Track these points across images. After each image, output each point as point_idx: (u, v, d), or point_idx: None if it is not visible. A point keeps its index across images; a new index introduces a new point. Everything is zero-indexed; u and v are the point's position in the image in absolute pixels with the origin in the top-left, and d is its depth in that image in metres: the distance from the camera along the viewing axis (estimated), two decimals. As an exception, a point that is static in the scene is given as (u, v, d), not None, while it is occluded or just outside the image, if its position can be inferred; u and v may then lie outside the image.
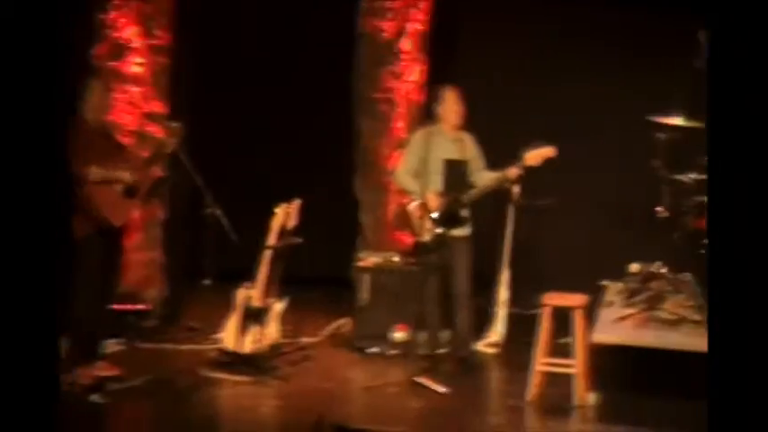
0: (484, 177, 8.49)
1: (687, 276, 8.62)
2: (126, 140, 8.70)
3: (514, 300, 9.34)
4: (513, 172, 8.42)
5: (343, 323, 9.49)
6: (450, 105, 8.61)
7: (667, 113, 8.52)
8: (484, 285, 9.27)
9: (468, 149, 8.61)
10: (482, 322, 9.23)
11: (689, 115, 8.48)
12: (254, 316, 8.03)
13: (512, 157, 8.44)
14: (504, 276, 9.24)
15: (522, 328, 8.87)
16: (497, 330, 9.24)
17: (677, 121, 8.49)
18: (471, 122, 8.76)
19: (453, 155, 8.50)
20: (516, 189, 9.00)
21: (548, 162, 8.54)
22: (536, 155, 8.38)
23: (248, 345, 7.99)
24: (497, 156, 8.61)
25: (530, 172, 8.61)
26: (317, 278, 9.84)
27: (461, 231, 8.46)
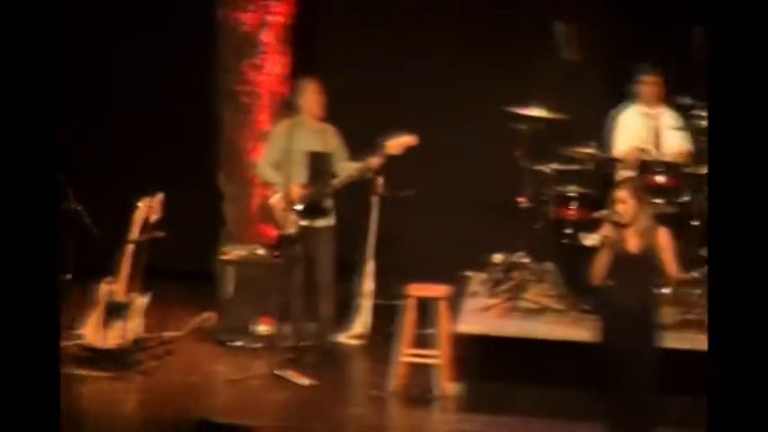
0: (346, 168, 8.56)
1: (549, 266, 8.82)
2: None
3: (378, 291, 9.39)
4: (374, 161, 8.52)
5: (207, 317, 9.45)
6: (312, 97, 8.66)
7: (529, 105, 8.65)
8: (348, 277, 9.36)
9: (331, 141, 8.67)
10: (346, 314, 9.30)
11: (550, 107, 8.66)
12: (116, 311, 7.99)
13: (374, 147, 8.52)
14: (369, 267, 9.29)
15: (385, 318, 8.97)
16: (361, 321, 9.28)
17: (538, 112, 8.66)
18: (334, 114, 8.81)
19: (316, 147, 8.55)
20: (379, 180, 9.08)
21: (409, 151, 8.61)
22: (397, 144, 8.48)
23: (111, 340, 7.95)
24: (361, 147, 8.68)
25: (392, 162, 8.68)
26: (180, 272, 9.75)
27: (325, 222, 8.54)
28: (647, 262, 7.11)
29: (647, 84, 8.80)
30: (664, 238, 7.04)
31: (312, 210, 8.48)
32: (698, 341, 7.66)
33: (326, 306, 8.78)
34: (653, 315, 7.21)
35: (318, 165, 8.58)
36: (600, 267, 7.07)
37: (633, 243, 6.99)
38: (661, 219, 8.16)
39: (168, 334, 8.97)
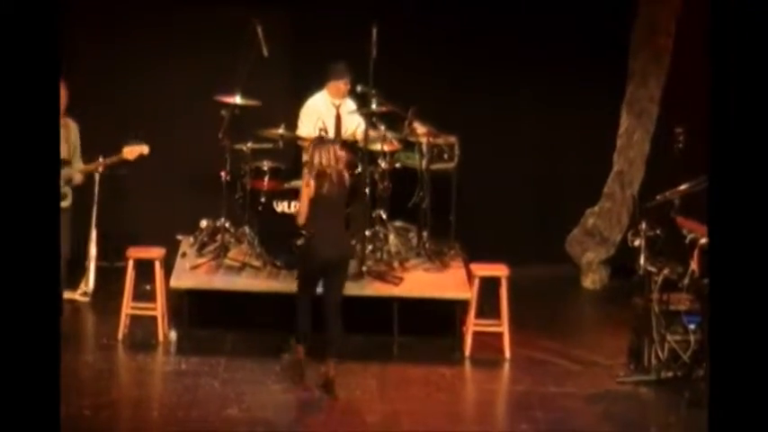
0: (76, 168, 8.72)
1: (246, 229, 9.27)
2: None
3: (103, 254, 9.73)
4: (105, 163, 8.90)
5: None
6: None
7: (228, 93, 9.12)
8: (77, 243, 9.47)
9: (72, 135, 8.73)
10: (76, 274, 9.53)
11: (244, 94, 9.12)
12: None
13: (111, 148, 8.94)
14: (93, 235, 9.61)
15: (111, 278, 9.50)
16: (88, 281, 9.60)
17: (236, 99, 9.12)
18: (82, 114, 8.95)
19: (66, 139, 8.60)
20: (100, 159, 9.10)
21: (141, 157, 9.06)
22: (132, 151, 8.96)
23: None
24: (100, 146, 9.04)
25: (114, 145, 9.06)
26: None
27: (64, 204, 8.53)
28: (337, 206, 8.01)
29: (339, 85, 9.39)
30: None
31: None
32: (374, 288, 8.83)
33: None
34: (344, 265, 8.13)
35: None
36: (303, 209, 7.93)
37: (323, 188, 7.86)
38: None
39: None
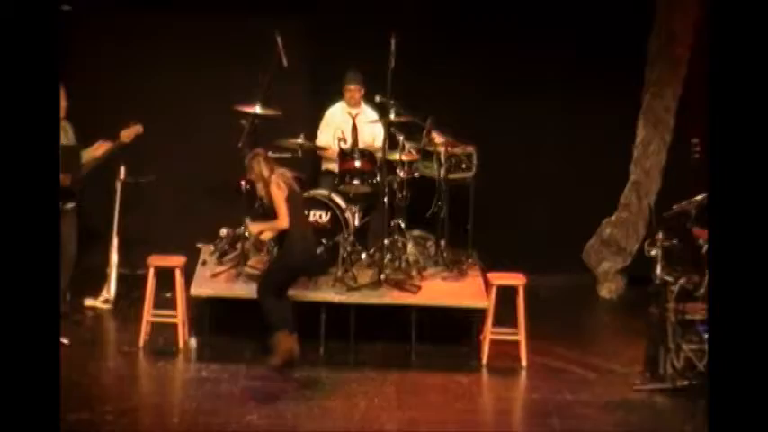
0: (85, 155, 8.85)
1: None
2: None
3: (124, 262, 9.74)
4: (105, 145, 8.91)
5: None
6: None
7: (249, 102, 9.13)
8: (98, 250, 9.72)
9: (69, 134, 8.82)
10: (97, 282, 9.61)
11: (264, 104, 9.13)
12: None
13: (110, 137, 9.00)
14: (114, 243, 9.65)
15: (132, 285, 9.54)
16: (109, 288, 9.61)
17: (256, 109, 9.10)
18: (107, 124, 9.12)
19: (62, 141, 8.40)
20: (122, 169, 9.58)
21: (150, 142, 9.18)
22: (128, 132, 9.01)
23: None
24: (124, 155, 9.25)
25: (135, 153, 9.27)
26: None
27: (69, 205, 8.69)
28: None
29: (350, 90, 9.53)
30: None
31: (63, 195, 8.39)
32: (392, 297, 8.80)
33: (65, 276, 8.77)
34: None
35: (64, 156, 8.05)
36: (283, 211, 8.16)
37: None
38: (358, 196, 9.28)
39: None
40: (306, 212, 8.75)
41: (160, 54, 10.47)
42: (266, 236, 8.54)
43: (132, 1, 10.26)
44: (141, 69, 10.42)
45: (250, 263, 9.14)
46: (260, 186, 8.34)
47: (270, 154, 9.06)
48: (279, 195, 8.21)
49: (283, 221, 8.21)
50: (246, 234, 8.88)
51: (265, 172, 8.29)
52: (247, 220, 8.88)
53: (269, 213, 8.45)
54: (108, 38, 10.35)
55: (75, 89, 8.92)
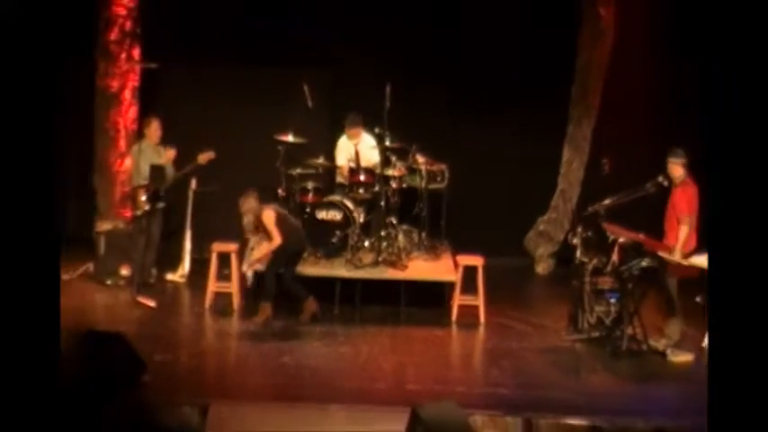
0: (169, 175, 8.96)
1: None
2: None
3: (195, 248, 9.61)
4: (187, 169, 8.98)
5: (87, 266, 9.51)
6: (154, 129, 9.12)
7: (284, 132, 9.17)
8: (177, 239, 9.65)
9: (167, 156, 9.01)
10: (176, 262, 9.58)
11: (295, 134, 9.16)
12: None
13: (190, 158, 9.04)
14: (188, 234, 9.57)
15: (201, 265, 9.39)
16: (184, 267, 9.57)
17: (289, 137, 9.19)
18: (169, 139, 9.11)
19: (156, 160, 8.95)
20: (193, 180, 9.52)
21: (211, 161, 9.14)
22: (204, 156, 9.07)
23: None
24: (185, 157, 9.16)
25: (203, 169, 9.25)
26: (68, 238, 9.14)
27: (160, 205, 8.90)
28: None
29: (349, 132, 9.38)
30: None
31: (154, 198, 8.87)
32: (387, 273, 8.69)
33: (152, 256, 9.05)
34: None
35: (157, 171, 8.86)
36: (275, 232, 8.00)
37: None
38: (362, 201, 9.16)
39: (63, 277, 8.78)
40: (296, 219, 8.50)
41: (222, 98, 10.38)
42: (263, 255, 8.27)
43: (201, 60, 10.15)
44: (210, 109, 10.34)
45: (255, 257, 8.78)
46: (251, 218, 8.13)
47: (298, 170, 9.18)
48: (269, 220, 8.05)
49: (276, 240, 8.05)
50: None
51: (256, 205, 8.13)
52: (251, 245, 8.72)
53: (263, 237, 8.33)
54: (187, 87, 10.30)
55: (166, 122, 9.05)
